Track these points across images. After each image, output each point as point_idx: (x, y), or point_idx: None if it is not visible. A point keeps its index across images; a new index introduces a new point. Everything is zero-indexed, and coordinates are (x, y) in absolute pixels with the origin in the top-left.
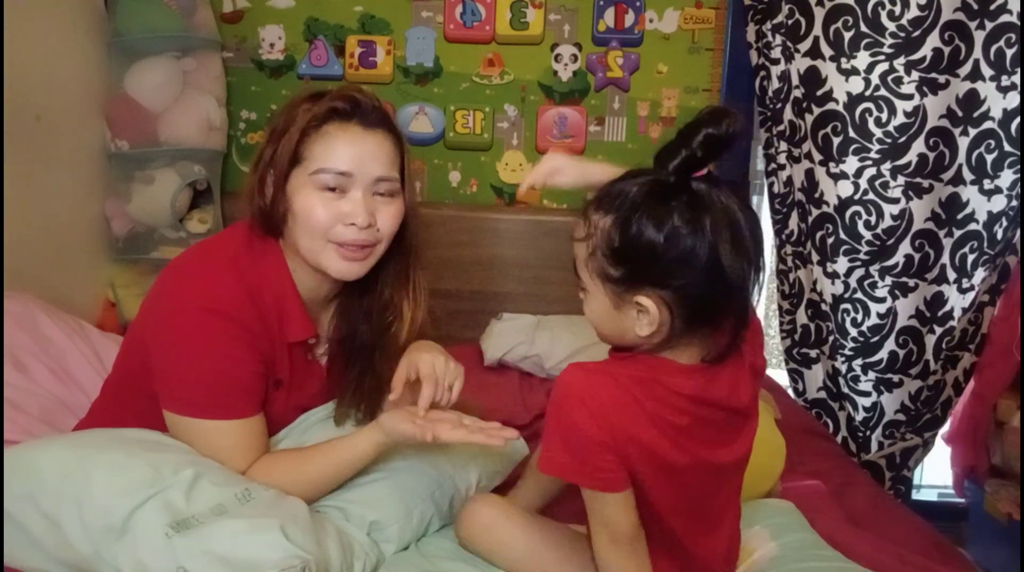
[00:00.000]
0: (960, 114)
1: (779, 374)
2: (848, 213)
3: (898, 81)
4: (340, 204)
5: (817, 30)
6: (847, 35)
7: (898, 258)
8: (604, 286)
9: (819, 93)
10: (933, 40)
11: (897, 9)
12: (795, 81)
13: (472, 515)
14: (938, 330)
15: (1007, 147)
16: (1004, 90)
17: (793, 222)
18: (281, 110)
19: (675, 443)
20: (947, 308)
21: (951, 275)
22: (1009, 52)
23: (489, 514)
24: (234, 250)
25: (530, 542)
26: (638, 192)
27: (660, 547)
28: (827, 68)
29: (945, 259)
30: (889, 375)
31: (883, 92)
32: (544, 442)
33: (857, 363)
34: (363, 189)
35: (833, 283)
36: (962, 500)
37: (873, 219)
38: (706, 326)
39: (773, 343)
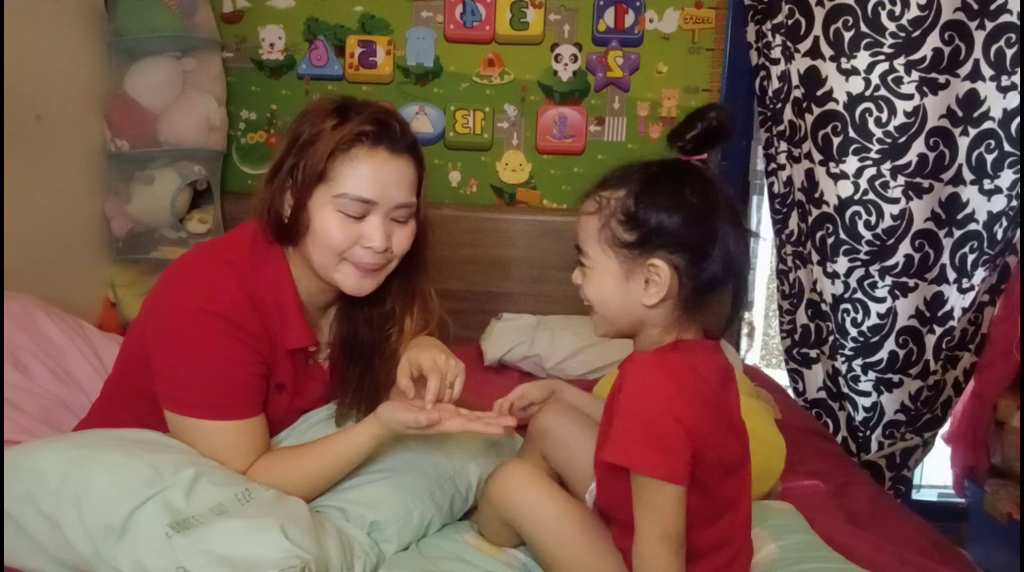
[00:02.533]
0: (960, 114)
1: (779, 374)
2: (848, 213)
3: (898, 81)
4: (359, 227)
5: (817, 30)
6: (847, 35)
7: (898, 258)
8: (616, 254)
9: (819, 93)
10: (933, 40)
11: (897, 9)
12: (795, 81)
13: (509, 473)
14: (938, 330)
15: (1007, 147)
16: (1004, 90)
17: (793, 222)
18: (305, 119)
19: (727, 424)
20: (947, 308)
21: (951, 275)
22: (1009, 52)
23: (526, 476)
24: (236, 253)
25: (560, 510)
26: (650, 167)
27: (699, 521)
28: (827, 68)
29: (945, 259)
30: (889, 375)
31: (883, 92)
32: (618, 433)
33: (857, 363)
34: (382, 214)
35: (833, 283)
36: (962, 500)
37: (873, 219)
38: (707, 300)
39: (773, 343)
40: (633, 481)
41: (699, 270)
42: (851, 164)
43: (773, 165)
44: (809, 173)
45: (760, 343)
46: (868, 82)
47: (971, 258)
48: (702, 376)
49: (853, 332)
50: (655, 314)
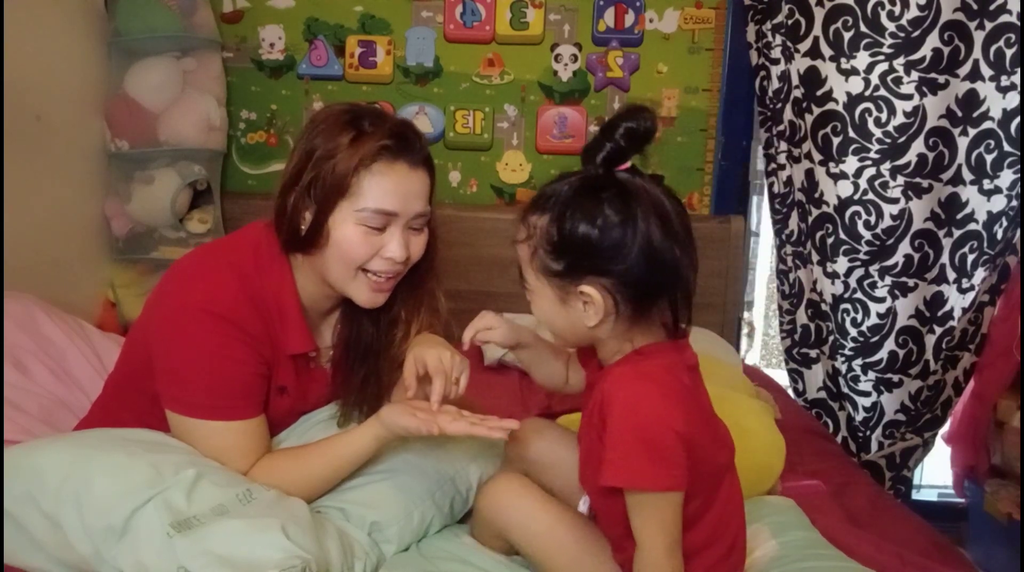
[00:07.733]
0: (960, 114)
1: (779, 374)
2: (848, 213)
3: (898, 81)
4: (379, 239)
5: (817, 30)
6: (847, 35)
7: (898, 258)
8: (549, 282)
9: (819, 93)
10: (933, 40)
11: (897, 9)
12: (795, 81)
13: (499, 487)
14: (938, 330)
15: (1007, 147)
16: (1004, 90)
17: (793, 222)
18: (318, 131)
19: (706, 419)
20: (947, 308)
21: (951, 275)
22: (1009, 52)
23: (516, 488)
24: (241, 256)
25: (552, 519)
26: (570, 189)
27: (691, 519)
28: (827, 68)
29: (945, 259)
30: (889, 375)
31: (883, 92)
32: (614, 454)
33: (857, 363)
34: (402, 225)
35: (833, 283)
36: (962, 500)
37: (873, 219)
38: (652, 307)
39: (773, 343)
40: (632, 496)
41: (631, 284)
42: (851, 164)
43: (773, 165)
44: (809, 173)
45: (760, 343)
46: (868, 82)
47: (971, 258)
48: (676, 376)
49: (853, 332)
50: (603, 330)
